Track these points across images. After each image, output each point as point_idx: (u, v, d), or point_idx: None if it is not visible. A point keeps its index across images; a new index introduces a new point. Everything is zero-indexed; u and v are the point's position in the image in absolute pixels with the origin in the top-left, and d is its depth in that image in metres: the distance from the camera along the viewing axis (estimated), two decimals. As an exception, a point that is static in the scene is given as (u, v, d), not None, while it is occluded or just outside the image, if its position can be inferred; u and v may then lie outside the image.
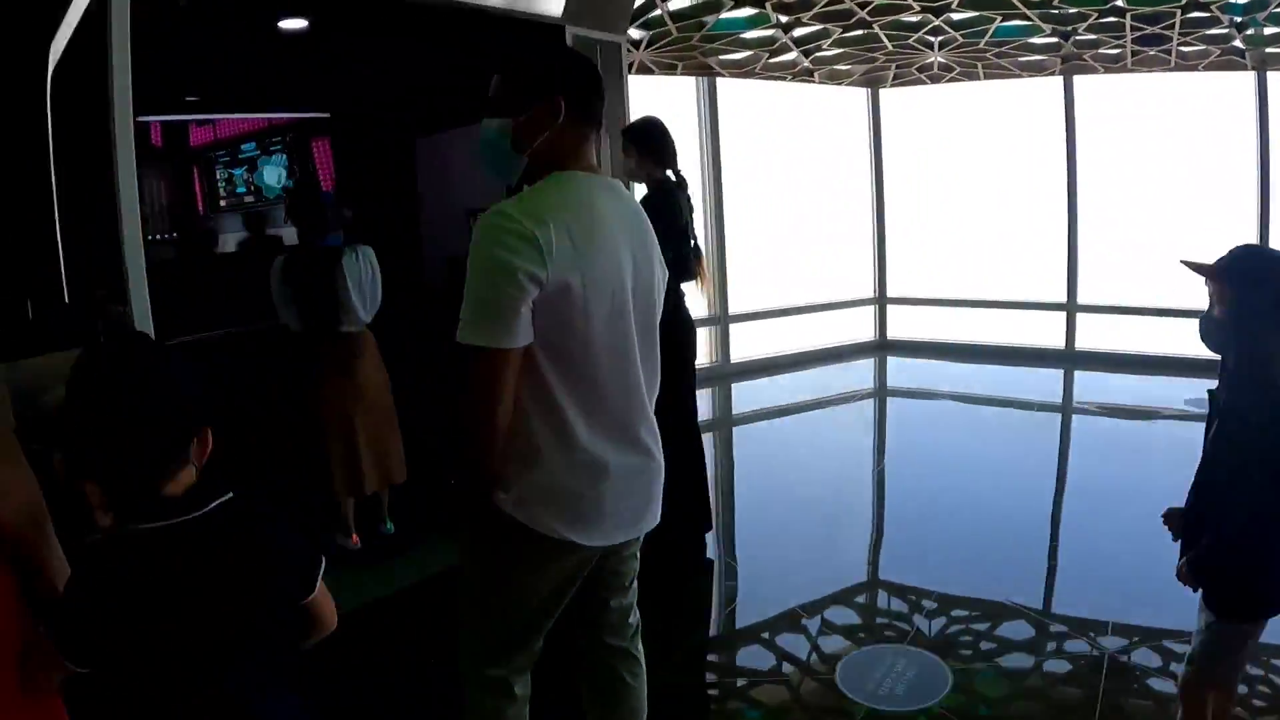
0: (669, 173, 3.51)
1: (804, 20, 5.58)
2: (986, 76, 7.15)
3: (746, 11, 5.56)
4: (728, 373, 7.27)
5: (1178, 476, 2.03)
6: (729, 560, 3.78)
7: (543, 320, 1.50)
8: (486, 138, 1.64)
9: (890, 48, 6.26)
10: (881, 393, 7.19)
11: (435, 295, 5.02)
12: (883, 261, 7.96)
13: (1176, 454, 2.55)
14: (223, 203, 4.86)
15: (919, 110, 7.77)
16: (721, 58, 6.51)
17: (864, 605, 3.30)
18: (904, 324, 8.14)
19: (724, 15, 5.51)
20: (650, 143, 3.46)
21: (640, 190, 3.52)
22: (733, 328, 7.33)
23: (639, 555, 1.90)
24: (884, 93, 7.64)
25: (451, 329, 1.50)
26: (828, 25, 5.81)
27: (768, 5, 5.23)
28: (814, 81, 7.20)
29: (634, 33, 5.63)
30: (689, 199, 3.56)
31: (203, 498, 1.19)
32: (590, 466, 1.61)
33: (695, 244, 3.58)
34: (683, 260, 3.42)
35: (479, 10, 3.76)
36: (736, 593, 3.52)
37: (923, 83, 7.42)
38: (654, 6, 5.25)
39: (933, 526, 3.97)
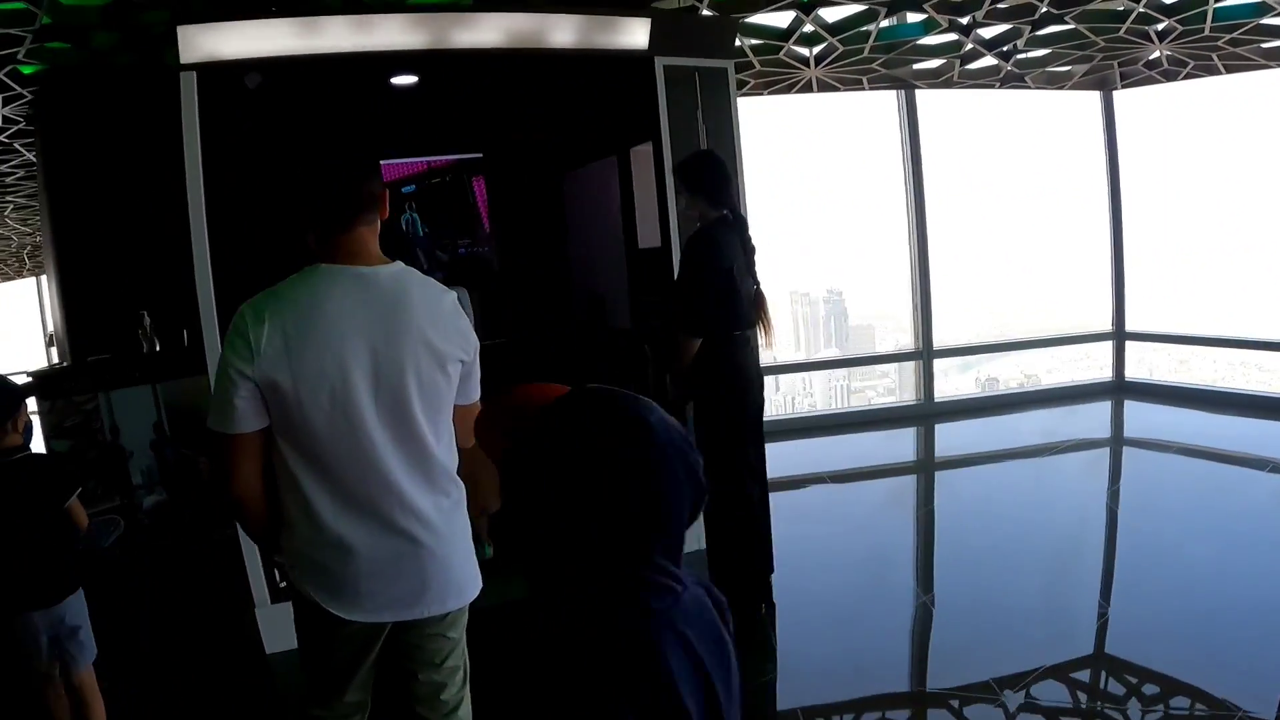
0: (726, 211, 3.24)
1: (980, 20, 4.90)
2: (1227, 70, 5.86)
3: (916, 16, 5.01)
4: (931, 412, 6.66)
5: None
6: (926, 602, 3.58)
7: (271, 409, 1.65)
8: None
9: (1101, 43, 5.31)
10: (1117, 442, 6.17)
11: (580, 322, 5.14)
12: (1121, 290, 6.73)
13: None
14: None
15: (1158, 113, 6.50)
16: (913, 67, 5.95)
17: (1076, 681, 2.91)
18: (1146, 363, 6.82)
19: (885, 23, 5.01)
20: (700, 181, 3.26)
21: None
22: (937, 364, 6.64)
23: (455, 637, 1.92)
24: (1118, 95, 6.48)
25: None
26: (1016, 23, 5.06)
27: (926, 6, 4.64)
28: (1028, 87, 6.31)
29: (800, 50, 5.34)
30: (747, 240, 3.29)
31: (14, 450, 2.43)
32: (337, 545, 1.70)
33: (756, 288, 3.29)
34: (725, 307, 3.18)
35: (561, 53, 3.77)
36: (928, 648, 3.30)
37: (1156, 81, 6.18)
38: (802, 23, 4.92)
39: (1166, 599, 3.44)
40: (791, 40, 5.13)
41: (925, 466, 5.88)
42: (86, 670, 2.57)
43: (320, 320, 1.64)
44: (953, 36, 5.38)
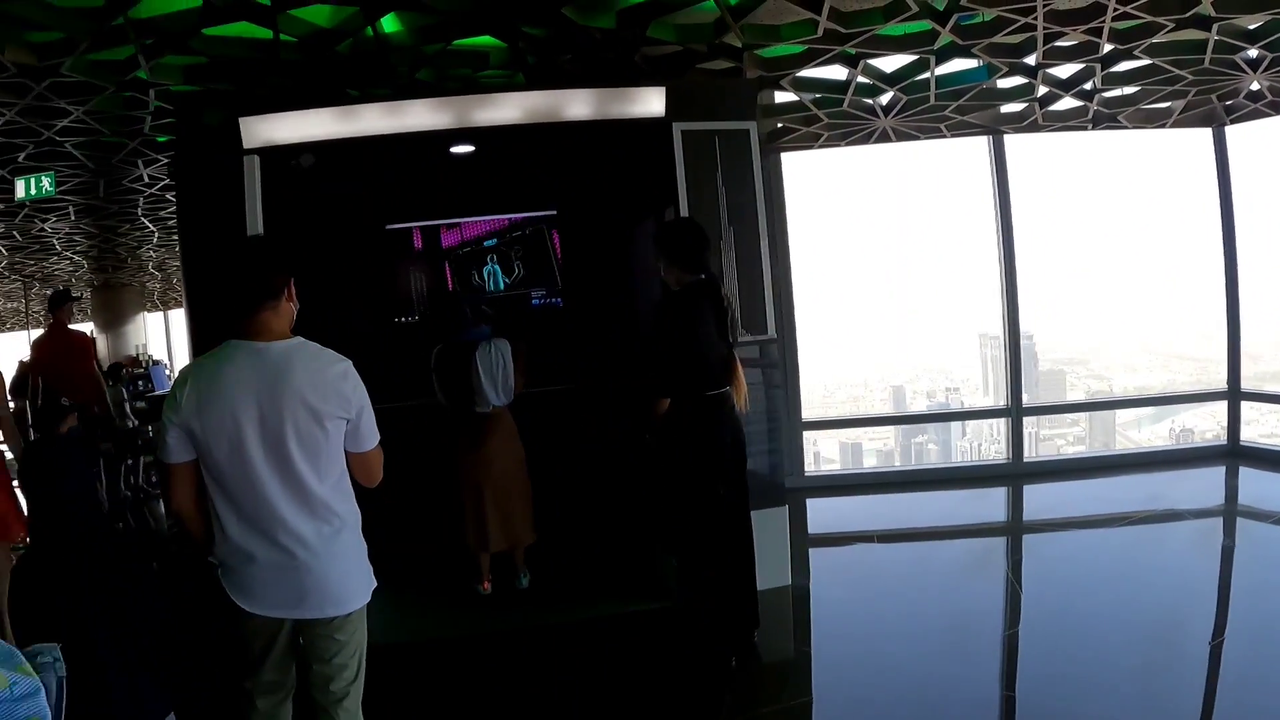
0: (702, 275, 3.37)
1: (1042, 60, 4.72)
2: None
3: (968, 62, 4.89)
4: (1020, 473, 6.34)
5: None
6: (1008, 693, 3.40)
7: (194, 447, 2.19)
8: None
9: (1189, 76, 4.94)
10: (1230, 510, 5.62)
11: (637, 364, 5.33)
12: (1235, 343, 6.11)
13: None
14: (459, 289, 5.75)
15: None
16: (996, 112, 5.76)
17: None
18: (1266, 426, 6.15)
19: (940, 70, 4.91)
20: (673, 247, 3.42)
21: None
22: (1027, 420, 6.29)
23: (343, 640, 2.32)
24: (1230, 131, 5.94)
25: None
26: (1086, 61, 4.83)
27: (976, 51, 4.53)
28: (1124, 127, 5.92)
29: (886, 99, 5.31)
30: (719, 302, 3.41)
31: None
32: (241, 552, 2.23)
33: (729, 349, 3.39)
34: (694, 369, 3.35)
35: (586, 122, 4.03)
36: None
37: (1264, 114, 5.63)
38: (854, 75, 4.91)
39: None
40: (851, 92, 5.12)
41: (1012, 530, 5.60)
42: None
43: (222, 384, 2.17)
44: (1021, 80, 5.17)
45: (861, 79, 4.97)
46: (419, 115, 3.98)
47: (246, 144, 3.94)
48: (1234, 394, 6.25)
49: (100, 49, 3.76)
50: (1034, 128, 5.93)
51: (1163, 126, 5.99)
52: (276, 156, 4.07)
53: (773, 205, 5.86)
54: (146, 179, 6.32)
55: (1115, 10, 4.10)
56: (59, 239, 8.64)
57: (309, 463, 2.19)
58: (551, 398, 4.70)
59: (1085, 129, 5.95)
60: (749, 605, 3.62)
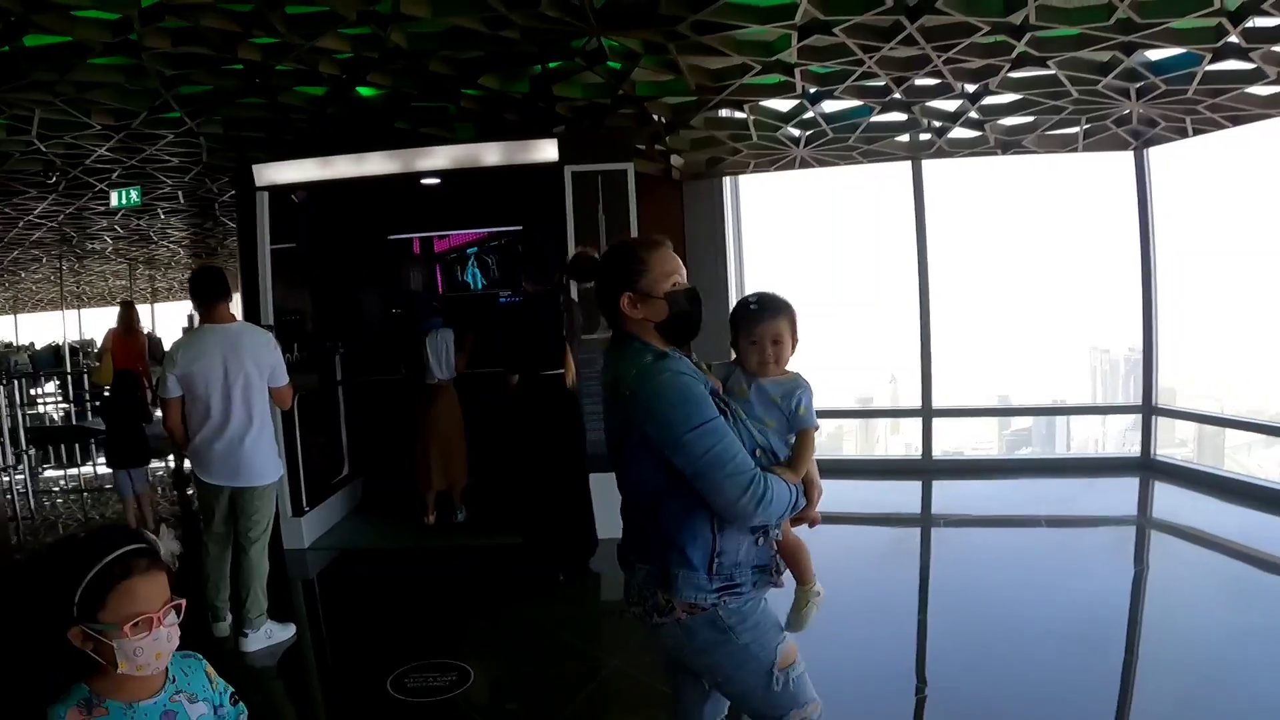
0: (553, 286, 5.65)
1: (911, 100, 6.59)
2: (1196, 132, 6.85)
3: (852, 102, 6.81)
4: (928, 469, 8.12)
5: None
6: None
7: (183, 387, 4.52)
8: None
9: (1070, 108, 6.64)
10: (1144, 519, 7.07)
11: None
12: (1150, 361, 7.63)
13: None
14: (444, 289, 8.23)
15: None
16: (898, 140, 7.60)
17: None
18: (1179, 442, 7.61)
19: (832, 107, 6.87)
20: (535, 267, 5.67)
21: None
22: (938, 422, 8.13)
23: (260, 504, 4.61)
24: (1153, 153, 7.58)
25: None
26: (953, 98, 6.65)
27: (841, 94, 6.47)
28: (1032, 152, 7.59)
29: (793, 130, 7.32)
30: (562, 304, 5.63)
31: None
32: (205, 446, 4.58)
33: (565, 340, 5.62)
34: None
35: (500, 167, 6.33)
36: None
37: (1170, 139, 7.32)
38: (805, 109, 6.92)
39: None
40: (754, 128, 7.14)
41: (924, 520, 7.34)
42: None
43: (201, 348, 4.48)
44: (903, 115, 6.99)
45: (759, 117, 6.98)
46: (376, 163, 6.40)
47: (258, 183, 6.50)
48: (1147, 409, 7.73)
49: (154, 115, 6.40)
50: (942, 154, 7.68)
51: (1074, 151, 7.58)
52: (283, 193, 6.67)
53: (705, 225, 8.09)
54: (216, 190, 9.16)
55: (940, 57, 5.89)
56: (154, 231, 11.89)
57: (249, 395, 4.50)
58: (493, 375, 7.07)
59: (995, 154, 7.64)
60: (582, 540, 5.80)
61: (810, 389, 2.55)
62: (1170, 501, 7.26)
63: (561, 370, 5.67)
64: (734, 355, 2.61)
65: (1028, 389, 9.25)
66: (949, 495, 7.66)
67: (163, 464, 9.54)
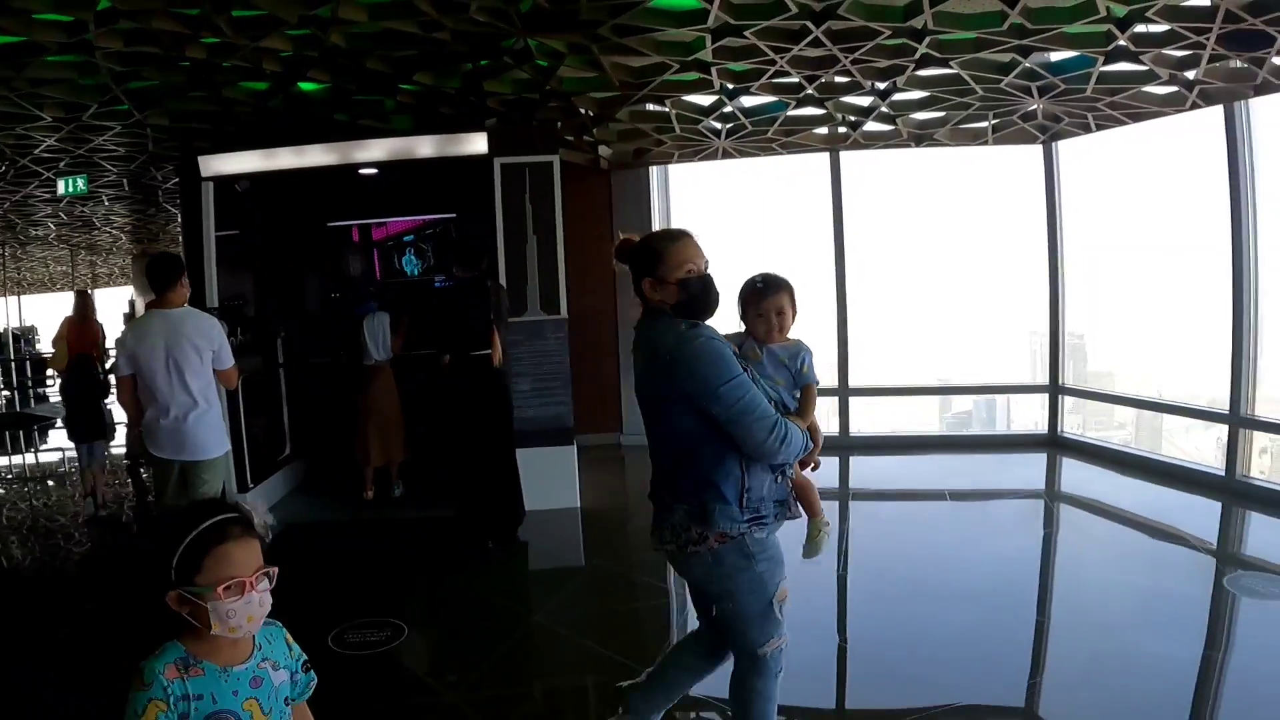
0: (476, 272, 6.36)
1: (822, 95, 7.36)
2: (1099, 128, 7.82)
3: (768, 98, 7.58)
4: (845, 445, 9.01)
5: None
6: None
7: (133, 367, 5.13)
8: None
9: (976, 104, 7.45)
10: (1051, 493, 7.95)
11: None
12: (1056, 343, 8.53)
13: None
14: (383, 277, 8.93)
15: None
16: (815, 132, 8.39)
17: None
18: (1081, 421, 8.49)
19: (750, 102, 7.63)
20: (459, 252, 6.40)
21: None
22: (854, 401, 9.00)
23: (207, 477, 5.21)
24: (1063, 146, 8.46)
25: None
26: (864, 95, 7.43)
27: (756, 90, 7.23)
28: (944, 144, 8.40)
29: (714, 123, 8.09)
30: (490, 288, 6.36)
31: None
32: (154, 423, 5.14)
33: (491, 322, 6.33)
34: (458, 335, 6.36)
35: (432, 159, 7.04)
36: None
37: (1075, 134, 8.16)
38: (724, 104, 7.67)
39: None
40: (676, 121, 7.90)
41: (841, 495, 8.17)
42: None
43: (146, 332, 5.12)
44: (817, 110, 7.78)
45: (681, 111, 7.74)
46: (316, 155, 7.08)
47: (203, 174, 7.16)
48: (1054, 389, 8.62)
49: (104, 108, 7.03)
50: (859, 146, 8.50)
51: (984, 144, 8.42)
52: (227, 182, 7.33)
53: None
54: (161, 178, 9.78)
55: (848, 57, 6.65)
56: (98, 217, 12.45)
57: (192, 375, 5.12)
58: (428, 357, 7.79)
59: (909, 146, 8.47)
60: (509, 510, 6.55)
61: (811, 351, 3.24)
62: (1074, 475, 8.10)
63: (489, 351, 6.39)
64: (744, 327, 3.28)
65: (970, 372, 10.07)
66: (865, 470, 8.50)
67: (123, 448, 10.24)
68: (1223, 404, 7.32)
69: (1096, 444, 8.54)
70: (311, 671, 2.16)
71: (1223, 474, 7.21)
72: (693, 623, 3.72)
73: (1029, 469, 8.35)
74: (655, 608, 5.63)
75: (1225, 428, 7.35)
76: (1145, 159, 8.84)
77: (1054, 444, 8.74)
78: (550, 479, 7.11)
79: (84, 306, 9.50)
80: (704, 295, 3.03)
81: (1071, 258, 8.61)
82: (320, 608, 5.48)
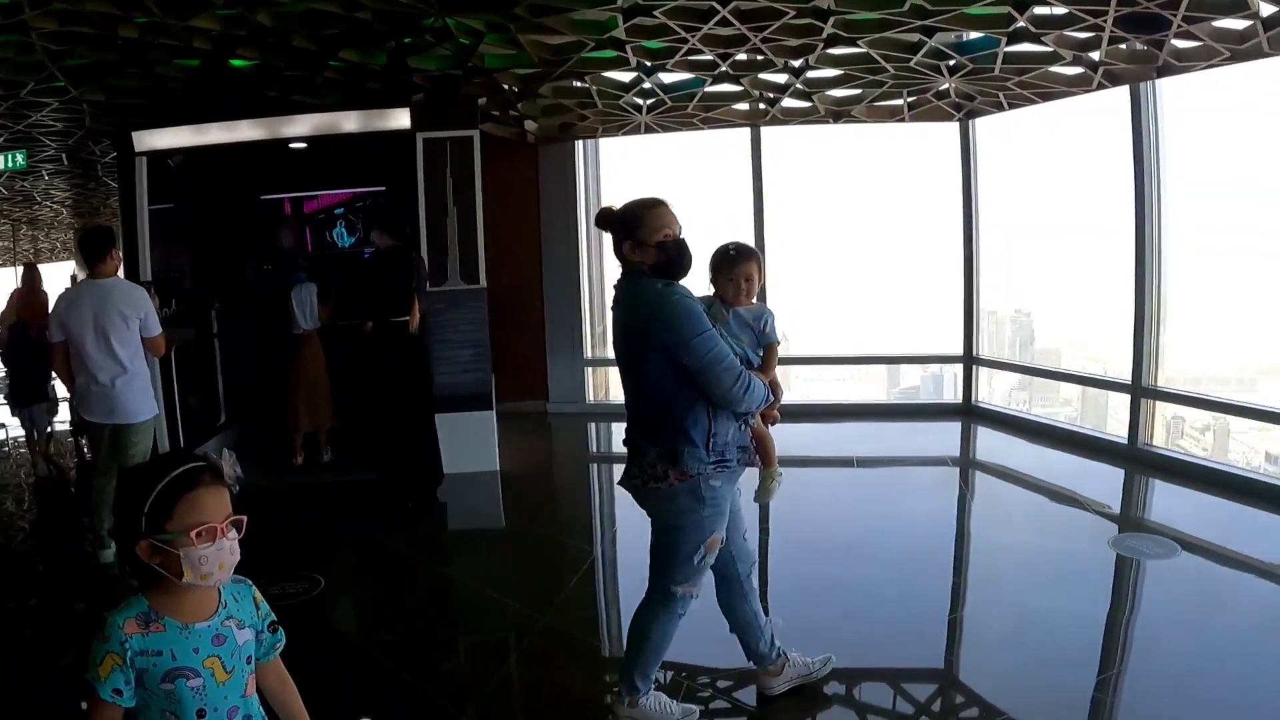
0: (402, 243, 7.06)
1: (738, 72, 8.04)
2: (1011, 106, 8.61)
3: (685, 75, 8.26)
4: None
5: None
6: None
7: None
8: None
9: (890, 82, 8.16)
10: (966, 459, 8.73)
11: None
12: (971, 315, 9.37)
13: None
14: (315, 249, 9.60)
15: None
16: (731, 107, 9.11)
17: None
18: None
19: (670, 78, 8.31)
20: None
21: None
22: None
23: (136, 440, 5.85)
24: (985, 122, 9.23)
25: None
26: (779, 71, 8.13)
27: (671, 66, 7.91)
28: (861, 121, 9.13)
29: (636, 99, 8.76)
30: (413, 259, 7.06)
31: None
32: (85, 388, 5.84)
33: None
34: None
35: (358, 133, 7.70)
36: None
37: (992, 111, 8.94)
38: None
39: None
40: (598, 97, 8.57)
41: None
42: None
43: (76, 301, 5.77)
44: (735, 86, 8.46)
45: (602, 88, 8.40)
46: (245, 130, 7.72)
47: (137, 149, 7.79)
48: (968, 359, 9.43)
49: (41, 84, 7.63)
50: (778, 122, 9.20)
51: (901, 121, 9.13)
52: (161, 157, 7.97)
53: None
54: (99, 152, 10.38)
55: (757, 36, 7.27)
56: (38, 192, 13.05)
57: (119, 342, 5.69)
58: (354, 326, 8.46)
59: (827, 123, 9.18)
60: (427, 472, 7.27)
61: (774, 315, 3.74)
62: (986, 443, 8.89)
63: (404, 319, 7.08)
64: (713, 291, 3.74)
65: (894, 344, 10.83)
66: (787, 437, 9.13)
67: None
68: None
69: (1009, 413, 9.34)
70: (280, 631, 2.26)
71: (1125, 442, 7.89)
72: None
73: (943, 436, 9.11)
74: (570, 563, 6.11)
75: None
76: (1066, 136, 9.58)
77: (968, 413, 9.54)
78: (470, 443, 7.84)
79: (31, 279, 10.17)
80: (679, 257, 3.48)
81: (994, 234, 9.36)
82: (242, 565, 6.07)
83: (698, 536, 3.57)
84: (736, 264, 3.73)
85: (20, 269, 10.54)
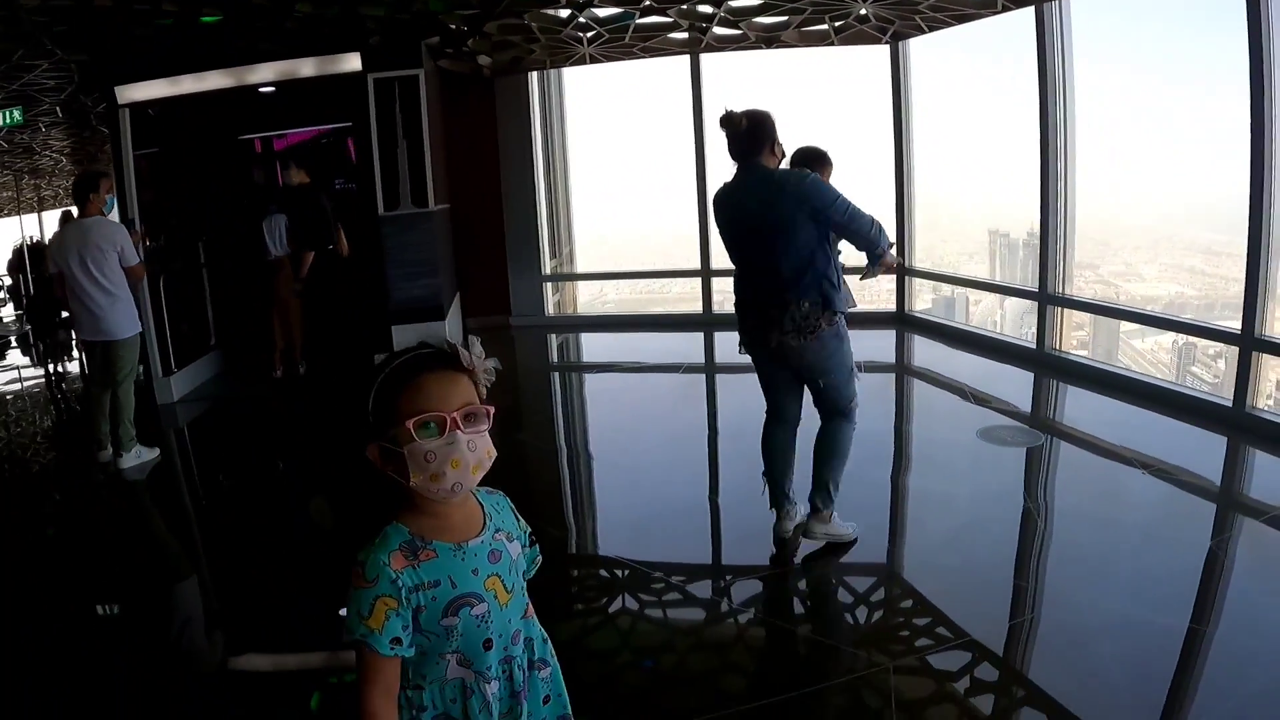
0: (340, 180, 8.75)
1: (655, 5, 9.56)
2: (930, 28, 9.99)
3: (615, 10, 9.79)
4: (709, 321, 11.84)
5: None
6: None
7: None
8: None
9: (809, 9, 9.53)
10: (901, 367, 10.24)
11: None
12: (902, 231, 11.06)
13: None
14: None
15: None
16: (668, 36, 10.61)
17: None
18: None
19: (604, 12, 9.85)
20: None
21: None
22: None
23: (116, 355, 7.63)
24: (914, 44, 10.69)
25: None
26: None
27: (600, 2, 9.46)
28: (791, 46, 10.59)
29: (576, 33, 10.32)
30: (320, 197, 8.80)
31: None
32: (77, 313, 7.61)
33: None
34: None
35: (315, 77, 9.38)
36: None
37: (915, 34, 10.38)
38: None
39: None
40: (538, 32, 10.11)
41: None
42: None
43: (64, 238, 7.60)
44: (668, 18, 9.94)
45: (542, 24, 9.93)
46: (215, 79, 9.40)
47: (120, 102, 9.50)
48: (902, 270, 10.97)
49: (32, 51, 9.34)
50: (713, 49, 10.69)
51: (831, 45, 10.53)
52: (142, 108, 9.70)
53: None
54: (91, 103, 12.13)
55: None
56: (37, 143, 14.94)
57: (102, 271, 7.44)
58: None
59: (760, 49, 10.62)
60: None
61: None
62: (917, 349, 10.42)
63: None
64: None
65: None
66: (729, 344, 10.73)
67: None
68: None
69: (937, 321, 10.98)
70: (537, 546, 2.09)
71: (1034, 347, 9.39)
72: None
73: (880, 342, 10.66)
74: (531, 457, 7.39)
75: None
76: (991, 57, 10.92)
77: (901, 321, 11.22)
78: (425, 350, 9.52)
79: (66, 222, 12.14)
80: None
81: (924, 151, 10.87)
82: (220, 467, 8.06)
83: (848, 364, 4.92)
84: (826, 162, 5.40)
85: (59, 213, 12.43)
